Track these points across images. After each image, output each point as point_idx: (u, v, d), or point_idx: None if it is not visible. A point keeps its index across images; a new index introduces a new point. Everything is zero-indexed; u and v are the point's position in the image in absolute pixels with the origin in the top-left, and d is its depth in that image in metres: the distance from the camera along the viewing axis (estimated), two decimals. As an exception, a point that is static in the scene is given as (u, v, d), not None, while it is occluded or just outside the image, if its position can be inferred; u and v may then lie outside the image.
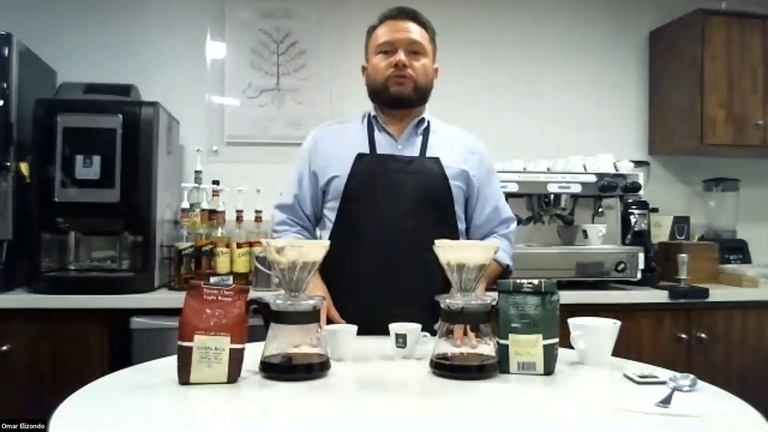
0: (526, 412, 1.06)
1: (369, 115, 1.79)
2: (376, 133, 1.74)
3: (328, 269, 1.63)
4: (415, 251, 1.58)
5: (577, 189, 2.69)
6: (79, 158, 2.31)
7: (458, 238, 1.70)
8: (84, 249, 2.43)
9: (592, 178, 2.71)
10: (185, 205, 2.58)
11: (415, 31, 1.71)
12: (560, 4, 3.27)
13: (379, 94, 1.73)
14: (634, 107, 3.33)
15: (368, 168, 1.66)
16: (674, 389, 1.10)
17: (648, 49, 3.33)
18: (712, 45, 2.98)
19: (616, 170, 2.80)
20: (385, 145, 1.73)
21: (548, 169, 2.83)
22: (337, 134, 1.80)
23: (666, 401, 1.02)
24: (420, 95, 1.73)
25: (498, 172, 2.63)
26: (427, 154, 1.71)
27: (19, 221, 2.34)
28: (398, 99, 1.70)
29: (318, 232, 1.79)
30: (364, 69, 1.81)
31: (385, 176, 1.66)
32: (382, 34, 1.72)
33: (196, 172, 2.73)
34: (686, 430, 0.96)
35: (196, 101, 2.97)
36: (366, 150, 1.71)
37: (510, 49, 3.21)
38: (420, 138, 1.75)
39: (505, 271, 1.78)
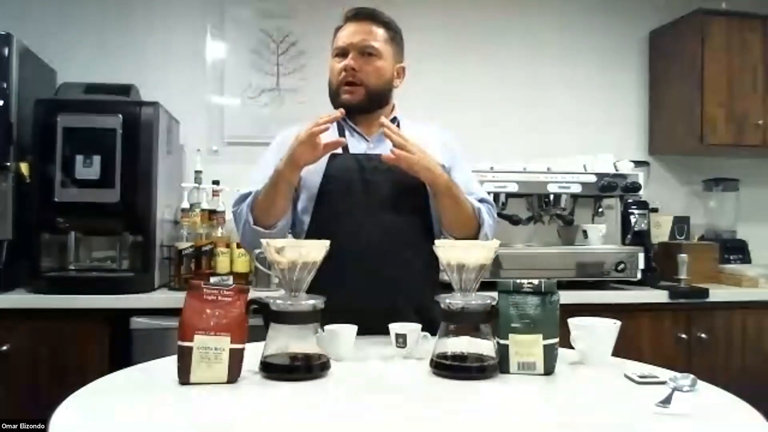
0: (526, 412, 1.05)
1: None
2: (347, 133, 1.72)
3: None
4: (393, 249, 1.58)
5: (577, 189, 2.69)
6: (79, 158, 2.31)
7: (434, 234, 1.65)
8: (84, 249, 2.43)
9: (592, 178, 2.71)
10: (185, 205, 2.58)
11: (370, 33, 1.68)
12: (560, 5, 3.26)
13: (333, 99, 1.72)
14: (634, 107, 3.33)
15: (343, 167, 1.63)
16: (674, 389, 1.09)
17: (648, 49, 3.33)
18: (712, 45, 2.98)
19: (616, 170, 2.80)
20: (356, 144, 1.71)
21: (548, 169, 2.82)
22: None
23: (666, 401, 1.02)
24: (375, 100, 1.70)
25: (498, 171, 2.66)
26: None
27: (19, 221, 2.34)
28: (349, 107, 1.67)
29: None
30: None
31: (360, 175, 1.63)
32: (340, 37, 1.71)
33: (196, 172, 2.73)
34: (686, 430, 0.96)
35: (196, 101, 2.97)
36: (338, 150, 1.66)
37: (510, 49, 3.21)
38: None
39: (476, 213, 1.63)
